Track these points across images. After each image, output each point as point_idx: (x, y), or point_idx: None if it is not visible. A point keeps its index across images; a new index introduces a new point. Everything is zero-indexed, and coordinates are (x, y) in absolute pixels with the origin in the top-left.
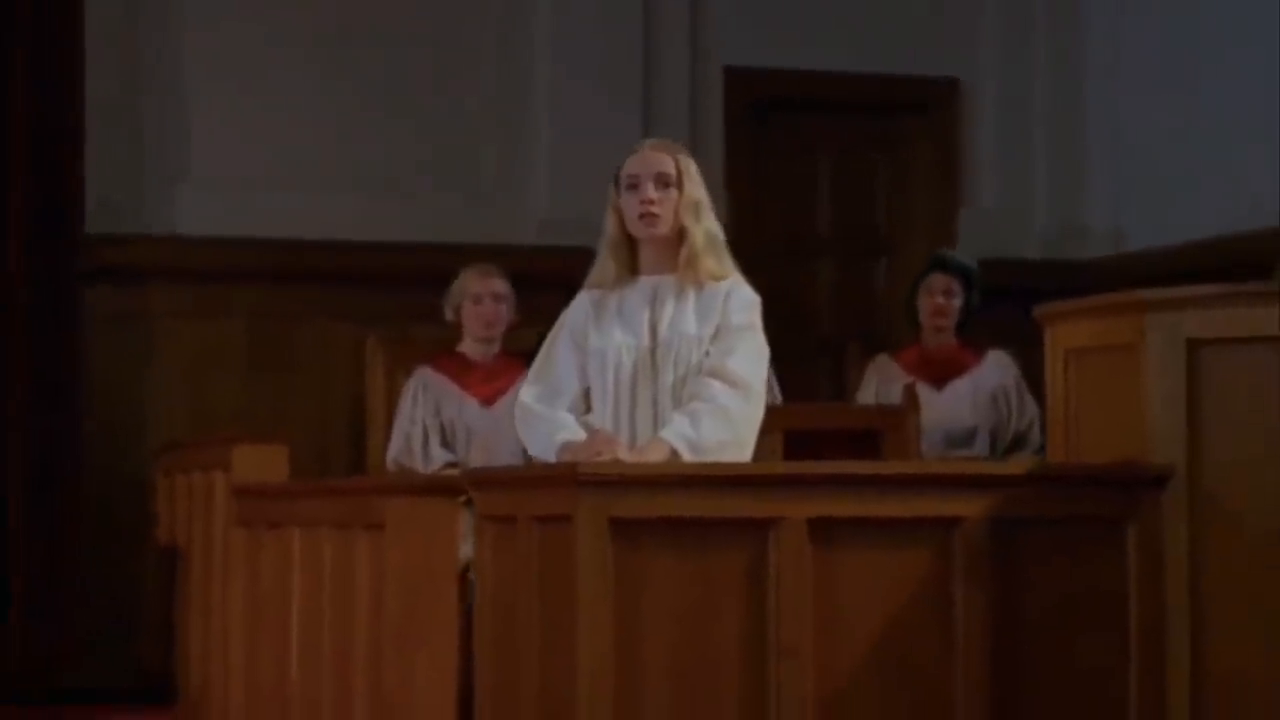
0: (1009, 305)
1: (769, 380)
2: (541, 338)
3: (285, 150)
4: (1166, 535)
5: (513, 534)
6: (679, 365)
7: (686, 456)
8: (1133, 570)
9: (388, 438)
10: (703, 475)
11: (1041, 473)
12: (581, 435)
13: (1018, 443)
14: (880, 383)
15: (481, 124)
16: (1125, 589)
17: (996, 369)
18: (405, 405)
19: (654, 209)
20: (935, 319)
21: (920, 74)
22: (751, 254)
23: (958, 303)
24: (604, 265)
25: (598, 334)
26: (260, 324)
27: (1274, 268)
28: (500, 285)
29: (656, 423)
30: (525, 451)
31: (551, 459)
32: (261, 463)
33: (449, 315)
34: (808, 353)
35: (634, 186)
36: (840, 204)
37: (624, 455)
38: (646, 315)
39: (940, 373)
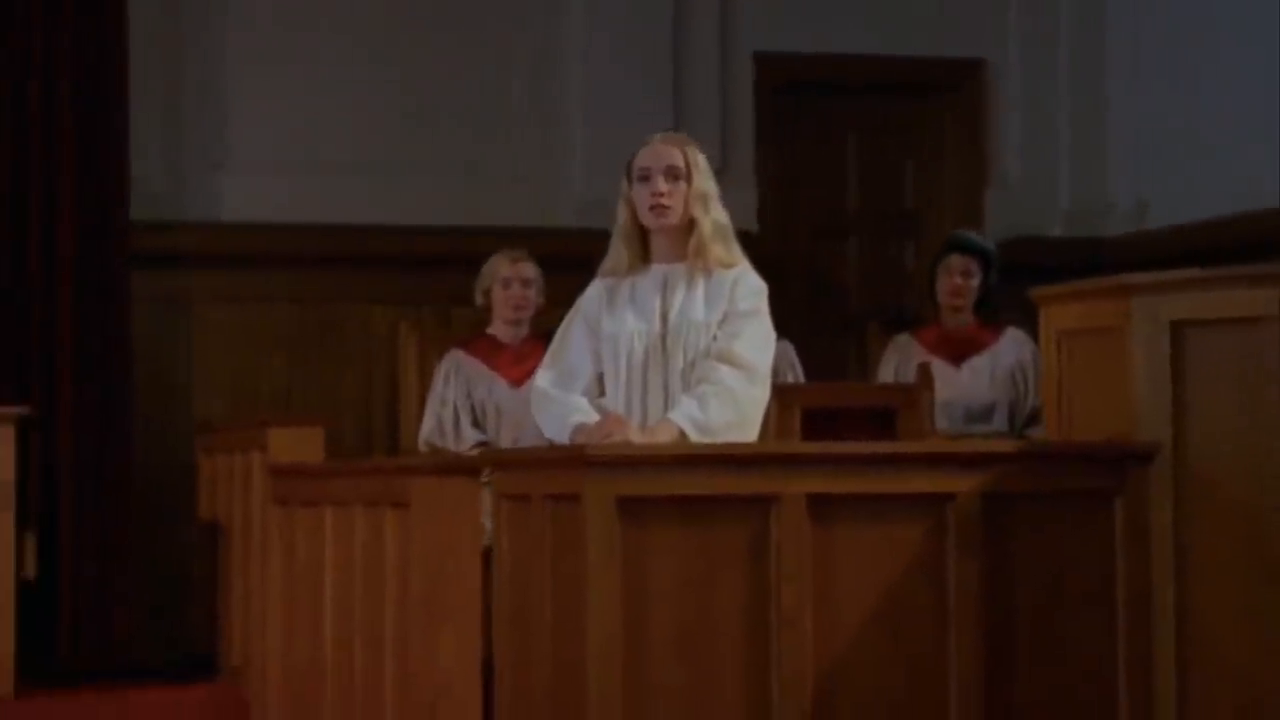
0: (1034, 282)
1: (791, 359)
2: None
3: (324, 137)
4: (1152, 508)
5: (527, 512)
6: (688, 350)
7: (694, 437)
8: (1120, 542)
9: (420, 418)
10: (705, 455)
11: (1032, 450)
12: (594, 418)
13: (1034, 417)
14: (900, 361)
15: (518, 110)
16: (1113, 560)
17: (1014, 345)
18: (437, 386)
19: (664, 201)
20: (953, 299)
21: (946, 56)
22: (781, 235)
23: (975, 283)
24: (617, 254)
25: (611, 320)
26: (301, 308)
27: None
28: (529, 270)
29: (667, 405)
30: None
31: (565, 441)
32: (296, 444)
33: (479, 299)
34: (837, 331)
35: (645, 179)
36: (868, 185)
37: (634, 436)
38: (658, 302)
39: (959, 351)
